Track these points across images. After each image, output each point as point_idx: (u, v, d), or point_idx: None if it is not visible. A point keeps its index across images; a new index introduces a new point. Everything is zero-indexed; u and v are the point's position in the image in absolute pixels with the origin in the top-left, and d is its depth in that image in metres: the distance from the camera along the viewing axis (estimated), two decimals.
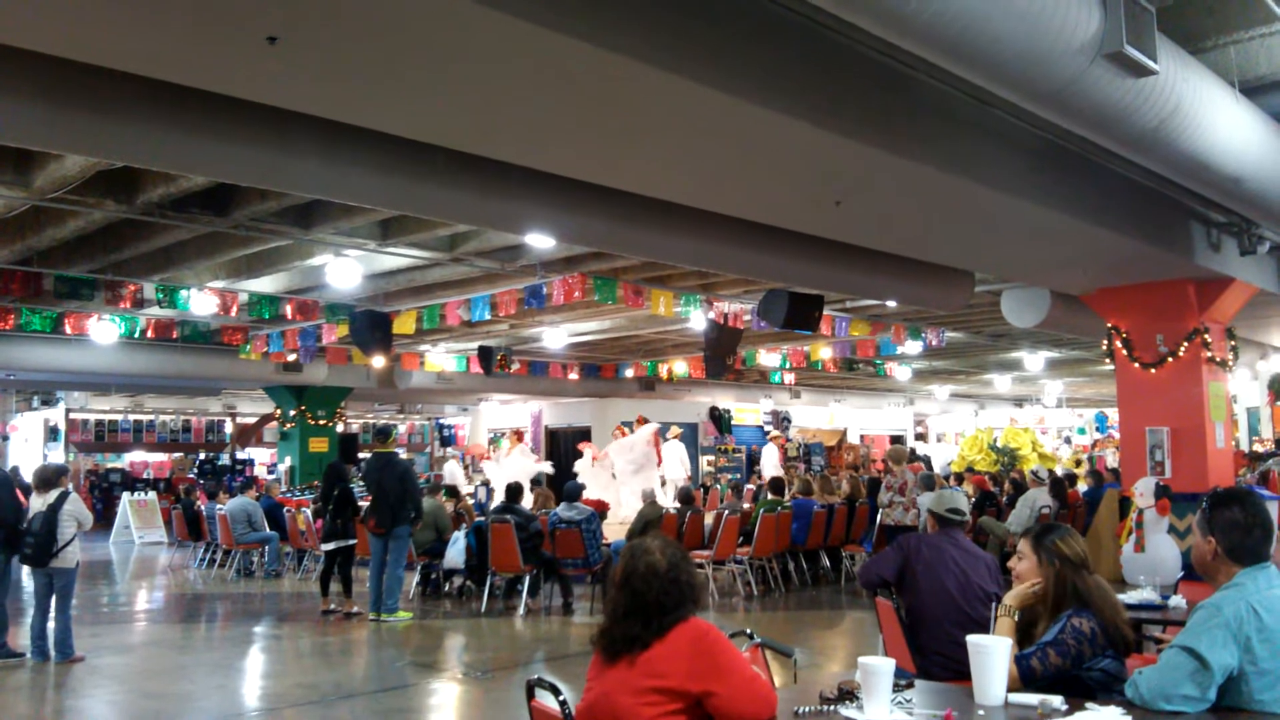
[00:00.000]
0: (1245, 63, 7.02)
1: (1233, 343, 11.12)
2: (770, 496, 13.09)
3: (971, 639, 3.49)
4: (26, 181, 8.26)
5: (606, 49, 4.79)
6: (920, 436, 33.31)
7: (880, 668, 3.30)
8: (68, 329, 13.77)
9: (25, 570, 8.91)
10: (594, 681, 3.23)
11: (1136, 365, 10.70)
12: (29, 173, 8.20)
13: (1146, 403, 10.67)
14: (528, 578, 11.02)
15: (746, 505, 13.31)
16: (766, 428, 26.91)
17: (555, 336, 16.34)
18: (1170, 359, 10.48)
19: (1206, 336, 10.37)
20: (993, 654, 3.43)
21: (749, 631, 4.12)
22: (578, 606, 11.18)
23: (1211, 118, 6.23)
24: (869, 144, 6.20)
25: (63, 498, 8.68)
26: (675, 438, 18.63)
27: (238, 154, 6.45)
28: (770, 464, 21.55)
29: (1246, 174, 6.99)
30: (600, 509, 12.20)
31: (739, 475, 23.68)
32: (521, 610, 10.85)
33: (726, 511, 11.94)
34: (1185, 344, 10.40)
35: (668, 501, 14.87)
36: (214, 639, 10.66)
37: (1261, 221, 8.95)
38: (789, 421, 28.55)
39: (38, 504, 8.63)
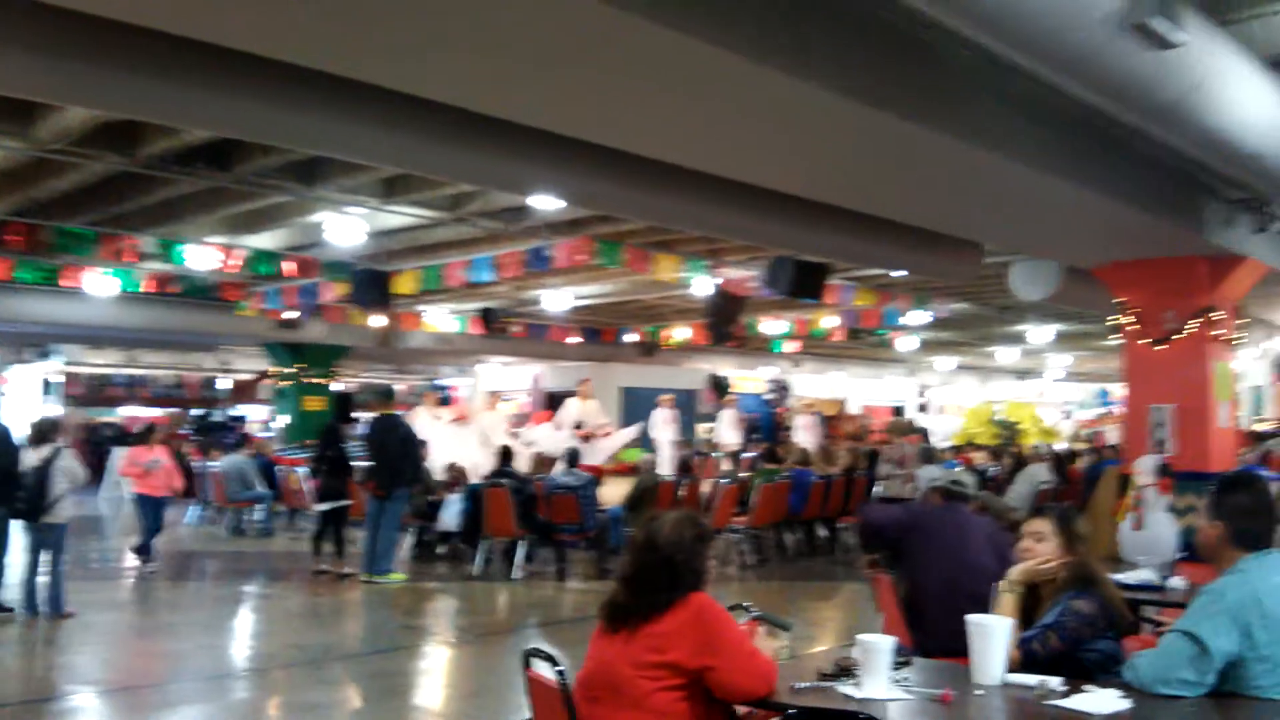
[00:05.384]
0: (1270, 37, 6.87)
1: (1242, 322, 10.99)
2: (767, 466, 13.03)
3: (972, 618, 3.46)
4: (27, 133, 8.15)
5: (619, 8, 4.65)
6: (923, 408, 33.19)
7: (880, 646, 3.29)
8: (65, 282, 13.64)
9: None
10: (594, 651, 3.22)
11: (1144, 342, 10.58)
12: (29, 124, 8.09)
13: (1152, 380, 10.56)
14: (522, 543, 10.96)
15: (744, 474, 13.24)
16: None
17: (557, 299, 16.21)
18: (1178, 336, 10.36)
19: (1216, 315, 10.26)
20: (993, 634, 3.43)
21: (747, 605, 4.06)
22: (572, 572, 11.13)
23: (1235, 92, 6.10)
24: (881, 109, 6.05)
25: (57, 453, 8.60)
26: (668, 405, 18.52)
27: (241, 108, 6.33)
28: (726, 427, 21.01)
29: (1267, 149, 6.87)
30: (598, 474, 12.12)
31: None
32: (516, 575, 10.80)
33: (724, 480, 11.88)
34: (1194, 322, 10.27)
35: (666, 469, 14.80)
36: (205, 597, 10.64)
37: (1277, 199, 8.83)
38: (788, 390, 28.42)
39: (31, 458, 8.56)
